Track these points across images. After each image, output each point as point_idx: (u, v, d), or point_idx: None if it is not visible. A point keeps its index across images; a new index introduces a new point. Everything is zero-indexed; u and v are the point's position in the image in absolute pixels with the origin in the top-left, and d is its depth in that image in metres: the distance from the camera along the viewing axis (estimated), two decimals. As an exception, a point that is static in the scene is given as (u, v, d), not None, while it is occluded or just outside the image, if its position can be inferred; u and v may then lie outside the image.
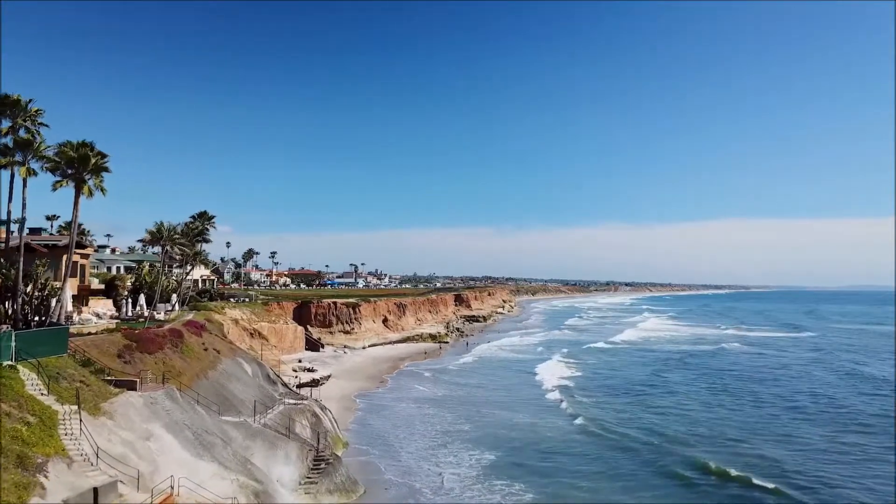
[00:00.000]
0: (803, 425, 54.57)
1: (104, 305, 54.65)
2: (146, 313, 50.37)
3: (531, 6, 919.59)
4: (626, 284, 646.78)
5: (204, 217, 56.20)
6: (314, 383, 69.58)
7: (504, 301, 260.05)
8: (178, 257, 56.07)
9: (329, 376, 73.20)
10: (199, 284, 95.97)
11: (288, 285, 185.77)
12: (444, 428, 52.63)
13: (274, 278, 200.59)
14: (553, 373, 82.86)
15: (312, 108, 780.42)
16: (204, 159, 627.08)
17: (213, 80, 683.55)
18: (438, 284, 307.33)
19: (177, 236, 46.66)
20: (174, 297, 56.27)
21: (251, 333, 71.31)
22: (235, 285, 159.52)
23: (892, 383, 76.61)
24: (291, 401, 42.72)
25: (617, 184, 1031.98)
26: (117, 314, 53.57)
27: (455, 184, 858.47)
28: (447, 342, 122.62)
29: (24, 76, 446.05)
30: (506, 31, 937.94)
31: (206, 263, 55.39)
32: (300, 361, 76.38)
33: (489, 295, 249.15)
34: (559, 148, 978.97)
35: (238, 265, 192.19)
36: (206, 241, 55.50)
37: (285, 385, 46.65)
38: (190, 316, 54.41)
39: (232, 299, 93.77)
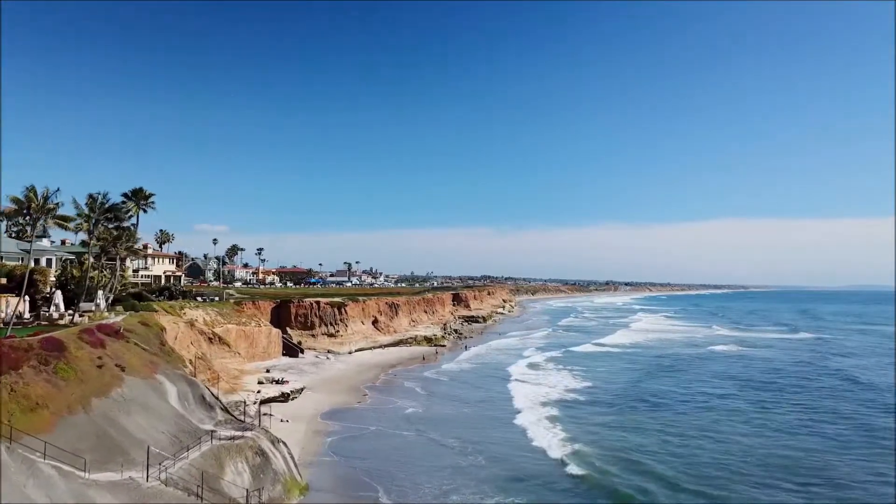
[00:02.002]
0: (811, 452, 44.29)
1: (9, 304, 43.46)
2: (55, 314, 39.16)
3: (531, 6, 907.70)
4: (626, 284, 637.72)
5: (139, 195, 44.86)
6: (283, 398, 58.46)
7: (504, 301, 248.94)
8: (92, 242, 44.62)
9: (302, 389, 61.94)
10: (162, 281, 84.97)
11: (274, 283, 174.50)
12: (452, 461, 41.22)
13: (261, 276, 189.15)
14: (557, 383, 72.16)
15: (313, 109, 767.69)
16: (203, 159, 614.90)
17: (213, 80, 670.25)
18: (436, 284, 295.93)
19: (53, 207, 34.78)
20: (100, 294, 44.93)
21: (210, 338, 60.11)
22: (217, 283, 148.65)
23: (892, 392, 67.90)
24: (229, 433, 31.57)
25: (617, 184, 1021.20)
26: (25, 316, 42.49)
27: (455, 184, 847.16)
28: (444, 345, 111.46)
29: (25, 76, 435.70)
30: (506, 32, 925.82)
31: (134, 252, 44.07)
32: (268, 371, 65.08)
33: (489, 294, 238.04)
34: (559, 148, 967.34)
35: (223, 262, 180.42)
36: (119, 219, 43.72)
37: (226, 410, 35.54)
38: (118, 318, 43.27)
39: (199, 298, 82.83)
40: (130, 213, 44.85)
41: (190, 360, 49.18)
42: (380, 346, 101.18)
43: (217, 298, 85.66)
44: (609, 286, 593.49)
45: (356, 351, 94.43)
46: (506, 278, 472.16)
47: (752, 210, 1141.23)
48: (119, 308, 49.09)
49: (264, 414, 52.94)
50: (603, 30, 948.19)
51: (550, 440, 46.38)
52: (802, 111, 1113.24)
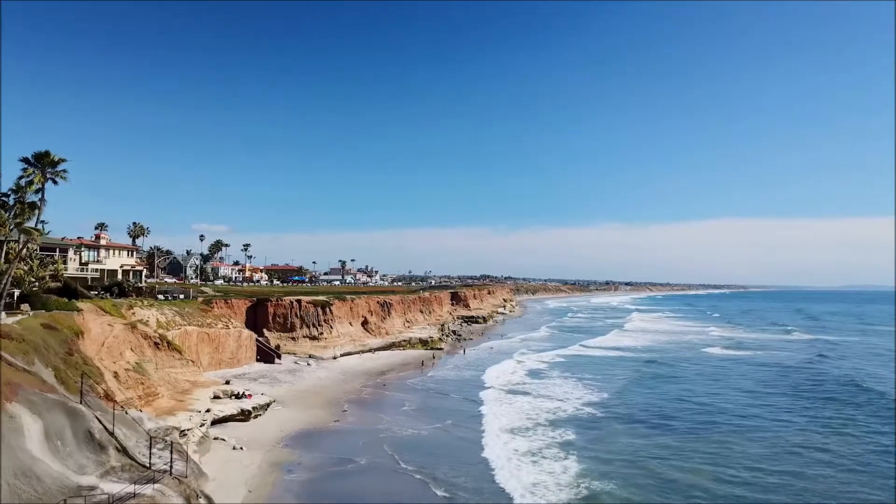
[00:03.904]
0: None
1: None
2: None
3: (530, 6, 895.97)
4: (626, 284, 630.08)
5: (45, 160, 34.40)
6: (243, 416, 48.00)
7: (505, 300, 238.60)
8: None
9: (268, 404, 51.42)
10: (119, 275, 74.44)
11: (260, 282, 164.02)
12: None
13: (248, 274, 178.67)
14: (564, 396, 62.14)
15: (312, 109, 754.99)
16: (204, 159, 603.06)
17: (212, 80, 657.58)
18: (433, 283, 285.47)
19: None
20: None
21: (156, 343, 49.56)
22: (195, 280, 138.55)
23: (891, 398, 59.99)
24: (115, 489, 21.17)
25: (617, 184, 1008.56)
26: None
27: (456, 184, 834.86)
28: (441, 349, 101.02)
29: (25, 76, 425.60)
30: (504, 32, 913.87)
31: (27, 232, 33.48)
32: (227, 383, 54.49)
33: (489, 294, 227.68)
34: (559, 148, 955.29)
35: (206, 258, 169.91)
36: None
37: (123, 451, 25.12)
38: (9, 320, 32.87)
39: (161, 295, 72.52)
40: (32, 181, 34.30)
41: (116, 372, 38.78)
42: (369, 350, 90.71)
43: (182, 296, 75.25)
44: (609, 286, 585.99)
45: (342, 356, 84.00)
46: (505, 278, 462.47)
47: (752, 210, 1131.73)
48: (25, 306, 38.65)
49: (214, 438, 42.69)
50: (603, 30, 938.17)
51: (559, 478, 36.09)
52: (802, 111, 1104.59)
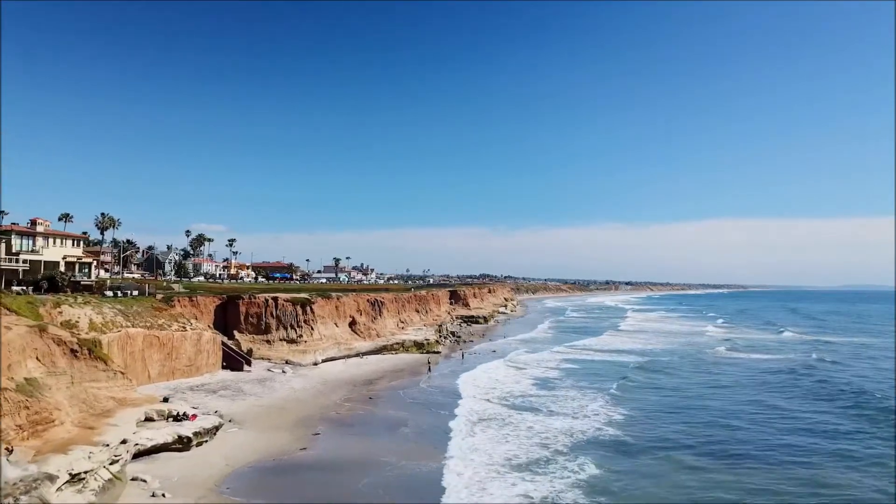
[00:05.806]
0: None
1: None
2: None
3: (528, 6, 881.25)
4: (626, 283, 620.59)
5: None
6: (180, 445, 37.37)
7: (506, 300, 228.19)
8: None
9: (217, 427, 40.75)
10: (62, 267, 63.85)
11: (244, 279, 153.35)
12: None
13: (234, 271, 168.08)
14: (576, 411, 52.50)
15: (313, 110, 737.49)
16: (203, 159, 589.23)
17: (211, 81, 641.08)
18: (432, 282, 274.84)
19: None
20: None
21: (74, 350, 38.92)
22: (174, 277, 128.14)
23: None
24: None
25: (617, 183, 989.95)
26: None
27: (455, 184, 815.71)
28: (438, 352, 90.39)
29: (23, 76, 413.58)
30: (504, 32, 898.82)
31: None
32: (166, 400, 43.57)
33: (490, 293, 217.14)
34: (558, 148, 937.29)
35: (187, 254, 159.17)
36: None
37: None
38: None
39: (110, 292, 62.18)
40: None
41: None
42: (356, 355, 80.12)
43: (135, 293, 64.72)
44: (609, 286, 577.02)
45: (324, 361, 73.39)
46: (505, 277, 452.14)
47: (752, 210, 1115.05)
48: None
49: (133, 479, 32.16)
50: (603, 30, 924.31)
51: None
52: (802, 111, 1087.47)
